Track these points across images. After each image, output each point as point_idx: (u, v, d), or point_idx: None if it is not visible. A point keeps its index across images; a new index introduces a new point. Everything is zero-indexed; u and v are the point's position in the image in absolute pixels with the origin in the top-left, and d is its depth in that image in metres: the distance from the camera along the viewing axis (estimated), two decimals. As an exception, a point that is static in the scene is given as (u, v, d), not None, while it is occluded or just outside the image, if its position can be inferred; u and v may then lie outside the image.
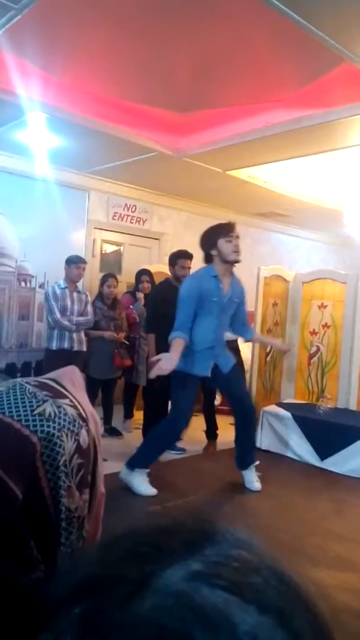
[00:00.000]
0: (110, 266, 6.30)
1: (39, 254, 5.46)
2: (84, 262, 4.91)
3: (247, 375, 5.14)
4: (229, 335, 3.83)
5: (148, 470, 3.60)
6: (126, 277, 6.20)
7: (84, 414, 0.64)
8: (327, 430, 4.51)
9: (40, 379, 0.67)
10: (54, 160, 5.20)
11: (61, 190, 5.63)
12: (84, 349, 4.82)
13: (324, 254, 9.30)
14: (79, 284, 5.01)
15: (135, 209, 6.54)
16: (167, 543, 0.30)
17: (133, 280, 5.53)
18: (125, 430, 5.25)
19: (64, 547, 0.59)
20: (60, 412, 0.61)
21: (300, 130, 4.07)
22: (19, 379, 0.65)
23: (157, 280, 5.11)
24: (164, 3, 2.76)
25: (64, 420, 0.61)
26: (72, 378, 0.70)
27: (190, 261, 4.52)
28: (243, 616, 0.25)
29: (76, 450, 0.61)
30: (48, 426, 0.59)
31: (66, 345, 4.66)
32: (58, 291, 4.72)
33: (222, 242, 3.45)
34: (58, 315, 4.64)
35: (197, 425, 5.01)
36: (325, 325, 5.43)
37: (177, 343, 3.37)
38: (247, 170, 5.47)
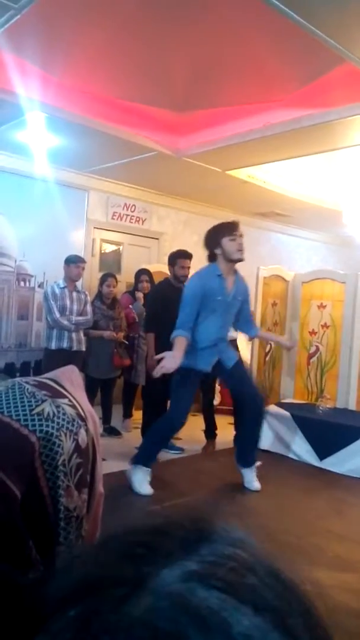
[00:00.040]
0: (110, 266, 6.30)
1: (38, 253, 5.46)
2: (83, 261, 4.91)
3: (247, 375, 5.14)
4: (229, 335, 3.85)
5: (150, 470, 3.61)
6: (125, 277, 6.20)
7: (82, 414, 0.64)
8: (326, 430, 4.51)
9: (39, 378, 0.67)
10: (53, 159, 5.20)
11: (60, 190, 5.63)
12: (83, 348, 4.82)
13: (324, 254, 9.30)
14: (78, 284, 5.01)
15: (135, 208, 6.54)
16: (162, 543, 0.30)
17: (132, 280, 5.53)
18: (125, 429, 5.25)
19: (62, 546, 0.59)
20: (59, 411, 0.61)
21: (299, 130, 4.07)
22: (17, 379, 0.65)
23: (157, 279, 5.11)
24: (163, 3, 2.76)
25: (63, 419, 0.61)
26: (71, 377, 0.70)
27: (190, 261, 4.52)
28: (238, 617, 0.25)
29: (75, 450, 0.61)
30: (47, 426, 0.59)
31: (65, 345, 4.66)
32: (57, 291, 4.72)
33: (226, 241, 3.45)
34: (57, 314, 4.63)
35: (196, 425, 5.01)
36: (325, 325, 5.43)
37: (180, 341, 3.39)
38: (246, 170, 5.47)
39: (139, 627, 0.25)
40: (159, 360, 3.33)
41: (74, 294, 4.79)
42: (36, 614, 0.29)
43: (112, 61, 3.52)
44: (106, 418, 5.08)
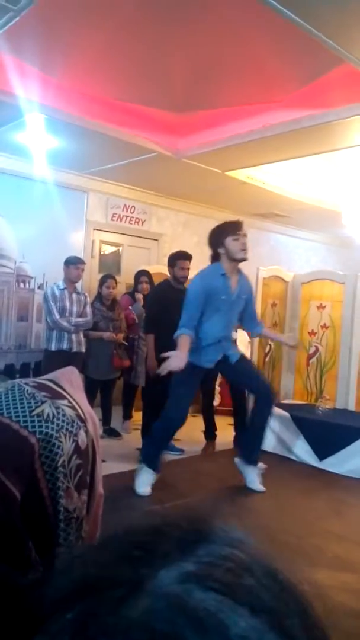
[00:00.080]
0: (109, 267, 6.29)
1: (37, 255, 5.46)
2: (83, 262, 4.91)
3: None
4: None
5: (156, 473, 3.61)
6: (125, 278, 6.20)
7: (82, 415, 0.64)
8: (325, 431, 4.51)
9: (39, 379, 0.67)
10: (52, 161, 5.20)
11: (60, 191, 5.63)
12: (83, 350, 4.81)
13: (323, 255, 9.30)
14: (78, 285, 5.01)
15: (134, 209, 6.54)
16: (160, 544, 0.30)
17: (132, 281, 5.53)
18: (124, 431, 5.25)
19: (62, 547, 0.60)
20: (58, 413, 0.61)
21: (299, 131, 4.08)
22: (17, 380, 0.65)
23: (156, 281, 5.11)
24: (162, 4, 2.77)
25: (63, 421, 0.61)
26: (70, 379, 0.70)
27: (190, 262, 4.52)
28: (235, 618, 0.25)
29: (75, 451, 0.61)
30: (46, 427, 0.59)
31: (65, 346, 4.66)
32: (57, 292, 4.72)
33: (229, 241, 3.46)
34: (57, 316, 4.63)
35: (195, 425, 5.01)
36: (324, 326, 5.43)
37: (184, 340, 3.40)
38: (246, 171, 5.48)
39: (137, 629, 0.25)
40: (164, 359, 3.33)
41: (74, 295, 4.79)
42: (35, 615, 0.29)
43: (111, 62, 3.53)
44: (106, 419, 5.07)
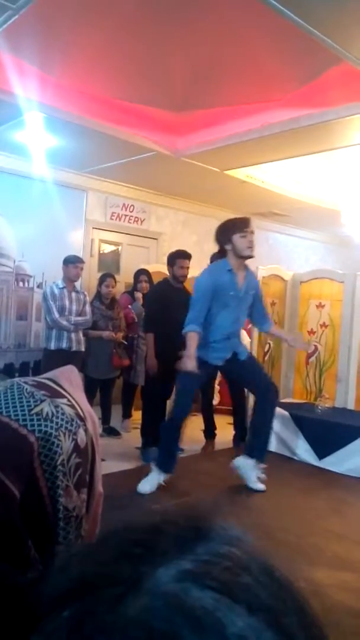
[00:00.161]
0: (108, 266, 6.29)
1: (37, 253, 5.46)
2: (82, 261, 4.90)
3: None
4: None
5: (166, 475, 3.63)
6: (124, 277, 6.20)
7: (81, 414, 0.64)
8: (325, 430, 4.52)
9: (38, 378, 0.67)
10: (51, 160, 5.20)
11: (59, 190, 5.63)
12: (82, 349, 4.81)
13: (322, 254, 9.31)
14: (77, 284, 5.01)
15: (133, 208, 6.54)
16: (158, 542, 0.30)
17: (131, 280, 5.53)
18: (124, 430, 5.25)
19: (62, 546, 0.60)
20: (58, 411, 0.61)
21: (298, 130, 4.08)
22: (16, 379, 0.65)
23: (156, 280, 5.10)
24: (162, 3, 2.76)
25: (62, 419, 0.61)
26: (70, 377, 0.70)
27: (189, 261, 4.52)
28: (232, 617, 0.25)
29: (74, 450, 0.61)
30: (46, 426, 0.59)
31: (64, 345, 4.66)
32: (56, 291, 4.72)
33: (236, 238, 3.47)
34: (56, 315, 4.63)
35: (195, 425, 5.01)
36: (323, 325, 5.43)
37: (192, 338, 3.44)
38: (245, 170, 5.48)
39: (134, 627, 0.25)
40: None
41: (73, 294, 4.79)
42: (32, 613, 0.29)
43: (110, 61, 3.52)
44: (105, 418, 5.08)
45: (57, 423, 0.60)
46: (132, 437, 4.97)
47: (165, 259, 4.78)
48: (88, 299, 4.93)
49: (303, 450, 4.61)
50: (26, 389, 0.62)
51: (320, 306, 5.48)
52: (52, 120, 4.16)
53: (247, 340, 5.27)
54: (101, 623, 0.25)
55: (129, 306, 5.26)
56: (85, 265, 5.06)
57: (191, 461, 4.51)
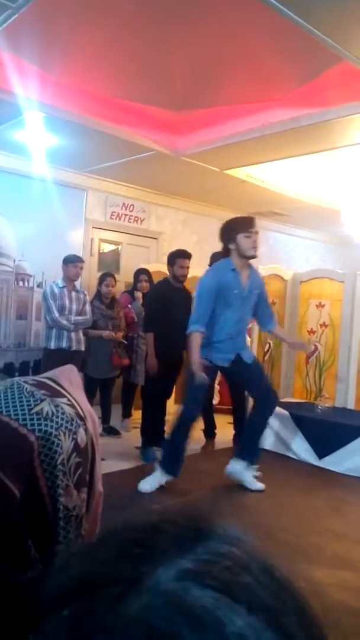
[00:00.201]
0: (108, 265, 6.29)
1: (36, 253, 5.46)
2: (82, 261, 4.90)
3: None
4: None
5: (169, 477, 3.62)
6: (124, 277, 6.20)
7: (81, 413, 0.64)
8: (325, 429, 4.52)
9: (38, 378, 0.67)
10: (51, 159, 5.20)
11: (59, 190, 5.62)
12: (82, 348, 4.81)
13: (322, 253, 9.31)
14: (77, 283, 5.01)
15: (133, 208, 6.54)
16: (158, 541, 0.30)
17: (131, 280, 5.53)
18: (124, 429, 5.25)
19: (62, 545, 0.60)
20: (58, 411, 0.61)
21: (298, 130, 4.07)
22: (16, 378, 0.65)
23: (156, 279, 5.11)
24: (162, 2, 2.76)
25: (62, 419, 0.61)
26: (70, 377, 0.70)
27: (189, 261, 4.52)
28: (232, 616, 0.25)
29: (74, 449, 0.61)
30: (46, 425, 0.59)
31: (64, 344, 4.65)
32: (56, 290, 4.71)
33: (241, 237, 3.47)
34: (56, 314, 4.63)
35: (195, 424, 5.00)
36: (323, 325, 5.43)
37: (195, 340, 3.45)
38: (245, 170, 5.47)
39: (134, 626, 0.25)
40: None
41: (73, 293, 4.79)
42: (32, 612, 0.29)
43: (110, 60, 3.52)
44: (105, 418, 5.08)
45: (57, 422, 0.60)
46: (132, 436, 4.98)
47: (165, 259, 4.78)
48: (88, 298, 4.92)
49: (303, 450, 4.61)
50: (26, 388, 0.62)
51: (320, 306, 5.48)
52: (52, 120, 4.16)
53: (247, 339, 5.27)
54: (101, 622, 0.26)
55: (129, 306, 5.26)
56: (85, 264, 5.06)
57: (191, 461, 4.50)
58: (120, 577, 0.27)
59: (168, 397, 4.91)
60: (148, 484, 3.59)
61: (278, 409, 4.86)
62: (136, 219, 6.60)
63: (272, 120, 4.11)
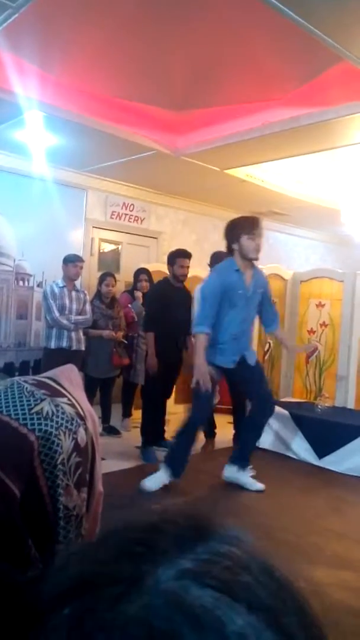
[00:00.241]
0: (109, 265, 6.29)
1: (36, 252, 5.46)
2: (82, 260, 4.90)
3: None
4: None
5: (173, 478, 3.62)
6: (124, 276, 6.20)
7: (82, 413, 0.64)
8: (325, 429, 4.52)
9: (38, 377, 0.67)
10: (51, 159, 5.19)
11: (59, 189, 5.62)
12: (83, 348, 4.81)
13: (322, 253, 9.30)
14: (77, 283, 5.01)
15: (133, 207, 6.53)
16: (158, 541, 0.30)
17: (131, 279, 5.53)
18: (124, 429, 5.25)
19: (62, 545, 0.60)
20: (58, 410, 0.61)
21: (298, 129, 4.07)
22: (16, 378, 0.65)
23: (156, 279, 5.11)
24: (162, 2, 2.76)
25: (62, 418, 0.61)
26: (70, 377, 0.70)
27: (189, 260, 4.52)
28: (232, 615, 0.25)
29: (74, 449, 0.61)
30: (46, 425, 0.59)
31: (65, 344, 4.65)
32: (56, 290, 4.71)
33: (244, 239, 3.46)
34: (56, 314, 4.63)
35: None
36: (323, 324, 5.44)
37: (201, 341, 3.44)
38: (245, 169, 5.47)
39: (134, 625, 0.25)
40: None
41: (73, 293, 4.79)
42: (32, 611, 0.29)
43: (110, 60, 3.52)
44: (105, 417, 5.08)
45: (57, 422, 0.60)
46: (132, 436, 4.98)
47: (165, 258, 4.78)
48: (88, 297, 4.93)
49: (303, 450, 4.61)
50: (26, 388, 0.62)
51: (320, 305, 5.48)
52: (52, 119, 4.16)
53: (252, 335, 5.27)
54: (101, 621, 0.26)
55: (129, 305, 5.26)
56: (85, 264, 5.06)
57: (191, 461, 4.50)
58: (121, 576, 0.27)
59: (168, 396, 4.91)
60: (151, 483, 3.59)
61: (278, 409, 4.86)
62: (136, 218, 6.60)
63: (272, 119, 4.11)
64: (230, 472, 3.82)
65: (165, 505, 3.30)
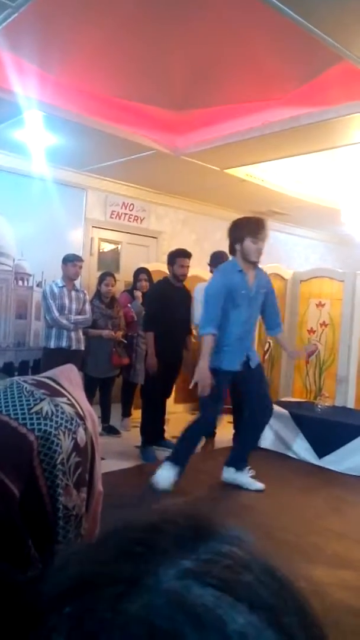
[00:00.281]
0: (108, 265, 6.29)
1: (36, 252, 5.46)
2: (81, 260, 4.90)
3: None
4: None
5: (179, 470, 3.61)
6: (124, 276, 6.20)
7: (81, 412, 0.64)
8: (325, 429, 4.52)
9: (38, 377, 0.67)
10: (51, 158, 5.19)
11: (59, 189, 5.62)
12: (82, 347, 4.82)
13: (322, 252, 9.31)
14: (77, 283, 5.01)
15: (133, 207, 6.53)
16: (158, 541, 0.30)
17: (131, 279, 5.53)
18: (123, 428, 5.25)
19: (61, 545, 0.60)
20: (57, 410, 0.61)
21: (298, 129, 4.07)
22: (16, 378, 0.65)
23: (155, 278, 5.11)
24: (161, 1, 2.76)
25: (62, 418, 0.61)
26: (69, 376, 0.70)
27: (189, 260, 4.52)
28: (233, 615, 0.25)
29: (74, 449, 0.61)
30: (45, 425, 0.59)
31: (64, 344, 4.66)
32: (56, 290, 4.72)
33: (248, 241, 3.46)
34: (56, 313, 4.63)
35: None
36: (323, 324, 5.44)
37: (207, 343, 3.43)
38: (244, 169, 5.47)
39: (135, 624, 0.25)
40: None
41: (73, 293, 4.79)
42: (32, 611, 0.29)
43: (110, 59, 3.52)
44: (105, 417, 5.08)
45: (56, 422, 0.60)
46: (132, 435, 4.98)
47: (165, 258, 4.78)
48: (88, 297, 4.93)
49: (303, 449, 4.61)
50: (26, 387, 0.62)
51: (320, 305, 5.48)
52: (51, 119, 4.16)
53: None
54: (102, 620, 0.26)
55: (129, 305, 5.26)
56: (84, 264, 5.07)
57: (191, 460, 4.51)
58: (121, 576, 0.27)
59: (168, 396, 4.92)
60: (168, 482, 3.56)
61: (278, 409, 4.87)
62: (136, 218, 6.60)
63: (272, 119, 4.11)
64: (229, 473, 3.83)
65: (165, 505, 3.29)
